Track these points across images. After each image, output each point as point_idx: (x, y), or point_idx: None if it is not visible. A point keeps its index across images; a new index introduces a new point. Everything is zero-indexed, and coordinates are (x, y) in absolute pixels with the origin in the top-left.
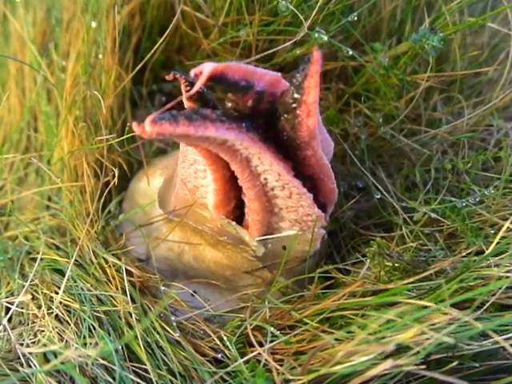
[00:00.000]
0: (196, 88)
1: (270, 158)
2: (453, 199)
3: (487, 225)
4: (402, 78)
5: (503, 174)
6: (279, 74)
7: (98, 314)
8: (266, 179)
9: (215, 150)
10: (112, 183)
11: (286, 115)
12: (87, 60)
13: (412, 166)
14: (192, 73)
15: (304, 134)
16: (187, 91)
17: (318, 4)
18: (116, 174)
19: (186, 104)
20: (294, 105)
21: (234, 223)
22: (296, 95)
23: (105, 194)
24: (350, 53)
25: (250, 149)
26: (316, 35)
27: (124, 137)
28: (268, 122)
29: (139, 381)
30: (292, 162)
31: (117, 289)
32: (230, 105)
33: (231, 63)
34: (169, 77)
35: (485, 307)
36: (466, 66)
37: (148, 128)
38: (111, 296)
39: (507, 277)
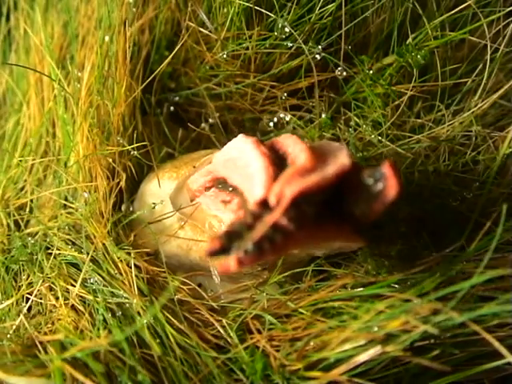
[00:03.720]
0: (279, 214)
1: (337, 241)
2: (435, 199)
3: (468, 223)
4: (388, 88)
5: (481, 175)
6: (347, 163)
7: (111, 306)
8: None
9: None
10: (121, 184)
11: (355, 207)
12: (100, 71)
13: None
14: (273, 198)
15: (372, 217)
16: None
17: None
18: (124, 177)
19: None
20: (366, 205)
21: None
22: (370, 202)
23: (116, 194)
24: (340, 69)
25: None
26: (310, 53)
27: (135, 145)
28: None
29: (148, 366)
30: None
31: (128, 282)
32: None
33: (309, 178)
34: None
35: (464, 298)
36: (447, 77)
37: (234, 268)
38: (123, 289)
39: (486, 271)
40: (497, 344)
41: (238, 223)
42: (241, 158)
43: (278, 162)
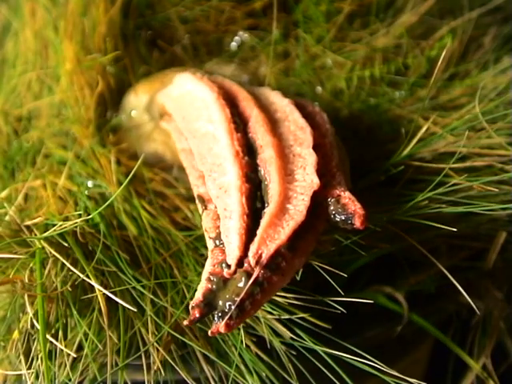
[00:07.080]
0: (257, 273)
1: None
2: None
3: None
4: (330, 5)
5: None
6: (315, 183)
7: (94, 196)
8: None
9: None
10: (104, 93)
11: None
12: None
13: (338, 74)
14: (251, 260)
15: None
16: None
17: None
18: (105, 88)
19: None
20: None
21: None
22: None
23: (101, 104)
24: None
25: None
26: None
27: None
28: None
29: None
30: None
31: (108, 175)
32: None
33: (283, 232)
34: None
35: None
36: None
37: (224, 331)
38: (104, 181)
39: None
40: None
41: (215, 279)
42: (213, 137)
43: (248, 152)
